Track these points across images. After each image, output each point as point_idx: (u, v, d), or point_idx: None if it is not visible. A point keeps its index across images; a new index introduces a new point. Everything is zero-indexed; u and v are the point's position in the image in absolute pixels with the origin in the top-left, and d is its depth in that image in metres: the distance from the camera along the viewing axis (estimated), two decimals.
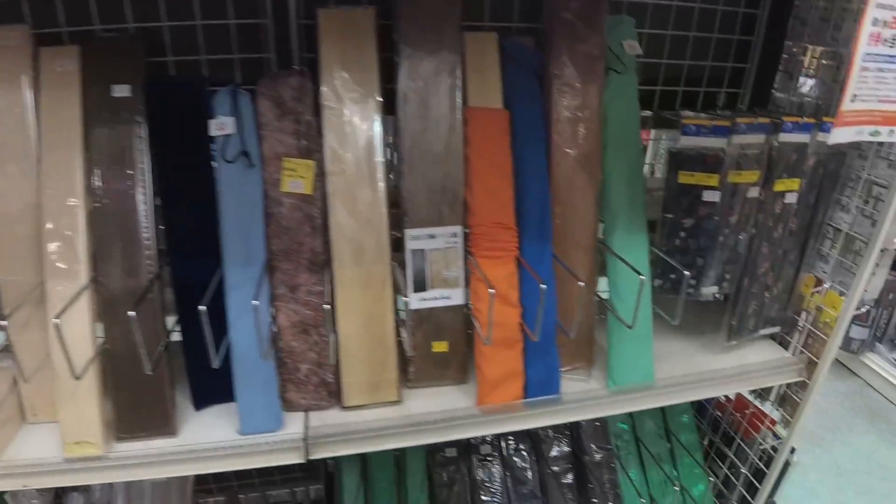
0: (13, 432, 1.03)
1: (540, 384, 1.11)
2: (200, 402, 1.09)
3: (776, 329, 1.31)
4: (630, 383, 1.15)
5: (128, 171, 0.99)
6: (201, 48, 1.11)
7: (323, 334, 1.06)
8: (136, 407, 1.01)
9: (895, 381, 2.68)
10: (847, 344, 2.75)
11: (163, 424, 1.02)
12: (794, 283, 1.27)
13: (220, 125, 1.01)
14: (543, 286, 1.00)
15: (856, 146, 1.19)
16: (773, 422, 1.37)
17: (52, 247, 0.97)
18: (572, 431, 1.42)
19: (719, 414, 1.50)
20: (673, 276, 1.15)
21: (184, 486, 1.30)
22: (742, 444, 1.43)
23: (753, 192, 1.14)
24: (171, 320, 1.07)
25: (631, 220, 1.14)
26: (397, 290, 1.08)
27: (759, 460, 1.38)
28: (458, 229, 1.08)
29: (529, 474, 1.38)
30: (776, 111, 1.32)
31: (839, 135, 0.88)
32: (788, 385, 1.32)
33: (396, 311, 1.08)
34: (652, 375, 1.17)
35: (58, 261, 0.97)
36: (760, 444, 1.37)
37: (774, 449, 1.34)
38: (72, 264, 0.97)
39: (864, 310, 2.58)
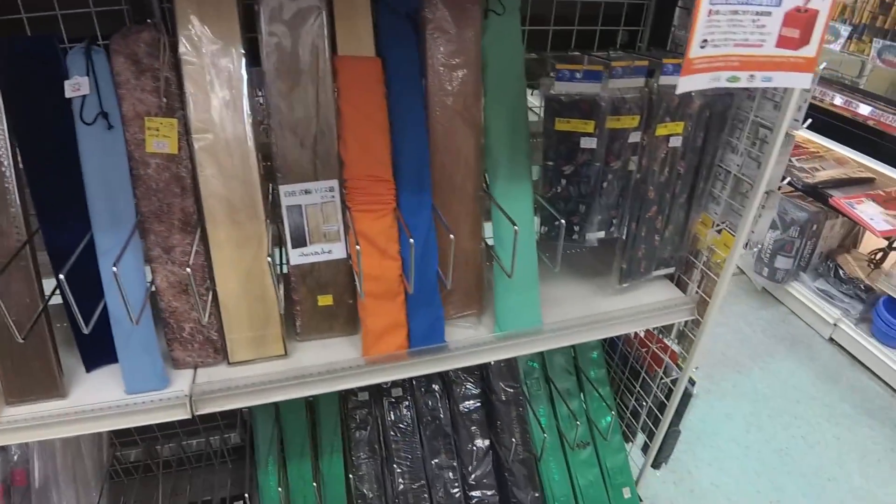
0: None
1: (423, 334, 1.15)
2: (90, 364, 1.13)
3: (670, 270, 1.35)
4: (516, 329, 1.20)
5: None
6: (55, 3, 1.08)
7: (203, 293, 1.08)
8: (22, 372, 1.05)
9: (816, 309, 2.78)
10: (773, 274, 2.82)
11: (51, 388, 1.06)
12: (685, 225, 1.30)
13: (75, 86, 0.99)
14: (411, 240, 1.03)
15: (744, 87, 1.19)
16: (675, 356, 1.43)
17: None
18: (482, 372, 1.48)
19: (628, 350, 1.56)
20: (557, 223, 1.17)
21: (98, 441, 1.36)
22: (647, 377, 1.50)
23: (635, 137, 1.14)
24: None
25: (513, 169, 1.15)
26: (280, 245, 1.11)
27: (662, 393, 1.46)
28: (333, 183, 1.09)
29: (440, 414, 1.45)
30: (676, 51, 1.31)
31: (687, 83, 0.88)
32: (686, 323, 1.37)
33: (273, 266, 1.10)
34: (539, 320, 1.21)
35: None
36: (662, 378, 1.44)
37: (675, 382, 1.41)
38: None
39: (787, 241, 2.68)
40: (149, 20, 1.03)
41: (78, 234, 1.03)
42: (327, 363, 1.12)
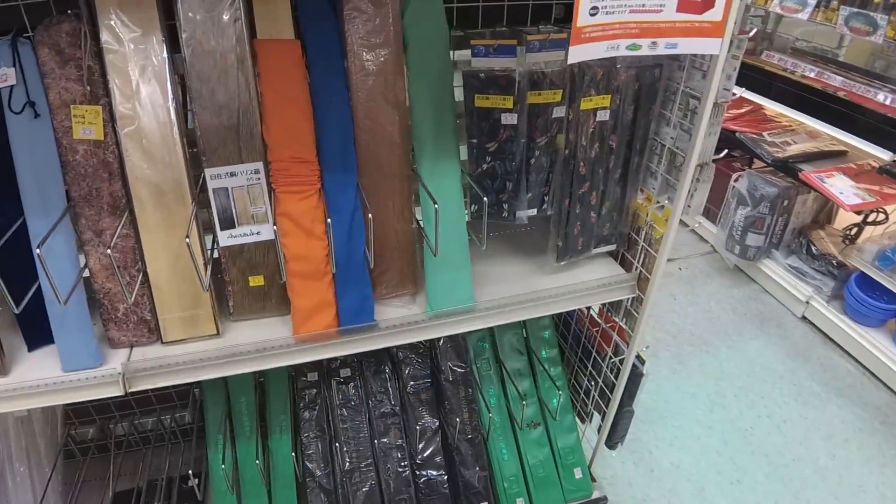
0: None
1: (353, 312, 1.19)
2: (32, 343, 1.18)
3: (611, 247, 1.37)
4: (448, 307, 1.23)
5: None
6: None
7: (134, 275, 1.14)
8: None
9: (788, 287, 2.76)
10: (744, 251, 2.80)
11: None
12: (623, 201, 1.31)
13: (3, 76, 1.04)
14: (328, 219, 1.07)
15: (674, 57, 1.20)
16: (624, 334, 1.45)
17: None
18: (431, 352, 1.52)
19: (580, 329, 1.58)
20: (487, 199, 1.20)
21: (51, 419, 1.43)
22: (597, 357, 1.52)
23: (559, 112, 1.17)
24: None
25: (439, 147, 1.18)
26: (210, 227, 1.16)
27: (611, 372, 1.48)
28: (258, 166, 1.13)
29: (389, 394, 1.49)
30: None
31: (579, 53, 0.90)
32: (630, 301, 1.39)
33: (202, 248, 1.15)
34: (471, 299, 1.24)
35: None
36: (611, 357, 1.46)
37: (622, 361, 1.44)
38: None
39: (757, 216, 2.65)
40: (69, 11, 1.08)
41: (13, 218, 1.09)
42: (259, 342, 1.17)
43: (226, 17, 1.07)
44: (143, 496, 1.49)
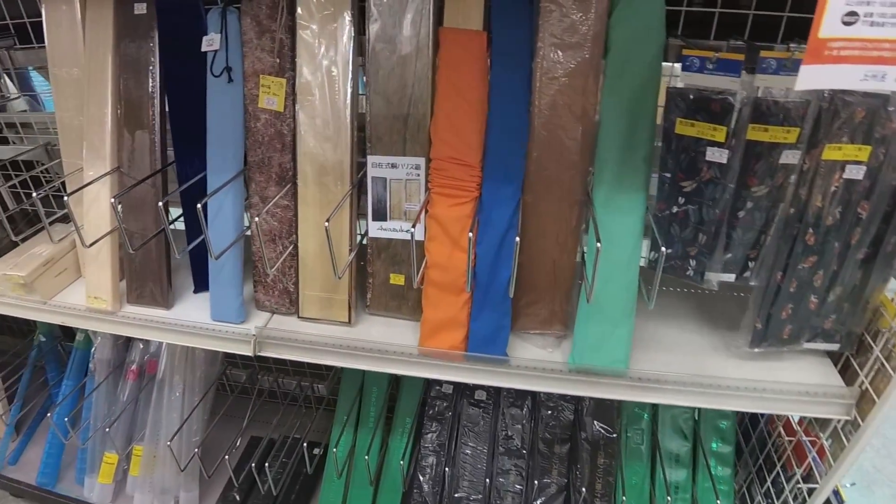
0: (68, 281, 1.38)
1: (484, 339, 1.10)
2: (198, 287, 1.32)
3: (832, 346, 1.06)
4: (595, 364, 1.07)
5: (143, 78, 1.19)
6: None
7: (287, 245, 1.18)
8: (141, 280, 1.27)
9: None
10: None
11: (160, 298, 1.27)
12: (862, 290, 1.01)
13: (210, 41, 1.14)
14: (470, 234, 0.99)
15: None
16: (825, 456, 1.14)
17: (88, 138, 1.24)
18: (577, 403, 1.36)
19: (768, 430, 1.28)
20: (664, 250, 1.01)
21: (213, 356, 1.59)
22: (781, 474, 1.22)
23: (790, 158, 0.92)
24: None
25: (624, 175, 1.02)
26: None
27: (794, 500, 1.18)
28: (421, 161, 1.09)
29: (520, 433, 1.38)
30: None
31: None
32: (842, 422, 1.08)
33: (355, 235, 1.15)
34: (625, 362, 1.06)
35: (90, 150, 1.24)
36: (799, 482, 1.16)
37: (811, 492, 1.13)
38: (99, 153, 1.23)
39: None
40: None
41: (197, 170, 1.20)
42: (383, 343, 1.14)
43: (416, 2, 1.03)
44: (271, 447, 1.60)
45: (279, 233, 1.18)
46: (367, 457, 1.37)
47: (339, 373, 1.56)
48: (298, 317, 1.22)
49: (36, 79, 1.78)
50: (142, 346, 1.61)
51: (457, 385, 1.44)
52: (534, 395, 1.40)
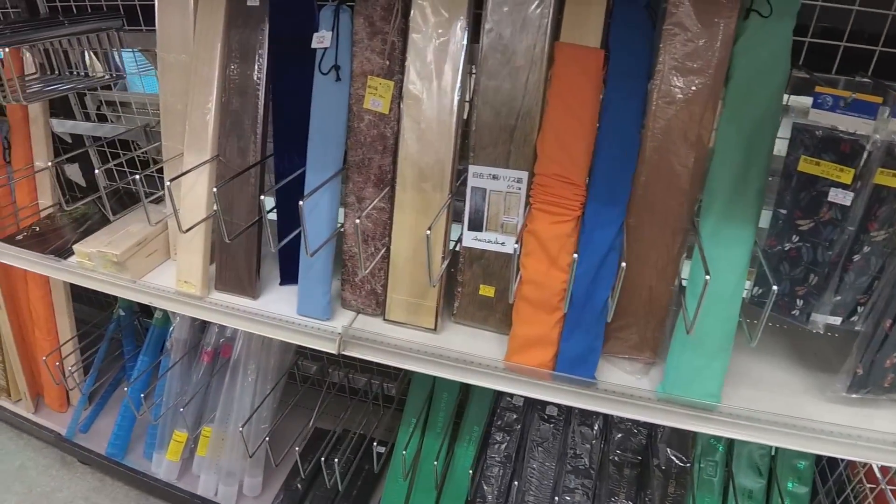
0: (157, 262, 1.42)
1: (573, 360, 1.09)
2: (284, 279, 1.34)
3: None
4: (685, 396, 1.05)
5: (251, 71, 1.21)
6: None
7: (379, 247, 1.19)
8: (231, 268, 1.30)
9: None
10: None
11: (248, 287, 1.30)
12: None
13: (321, 38, 1.15)
14: (575, 255, 0.97)
15: None
16: None
17: (191, 124, 1.26)
18: (651, 428, 1.34)
19: (848, 475, 1.24)
20: (777, 287, 0.98)
21: (286, 345, 1.61)
22: None
23: None
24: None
25: (735, 206, 0.99)
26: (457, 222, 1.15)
27: None
28: (523, 175, 1.08)
29: (590, 453, 1.36)
30: None
31: None
32: None
33: (448, 243, 1.15)
34: (717, 397, 1.04)
35: (192, 137, 1.27)
36: None
37: None
38: (201, 141, 1.26)
39: None
40: None
41: (296, 166, 1.22)
42: (469, 354, 1.14)
43: (534, 14, 1.02)
44: (337, 440, 1.62)
45: (373, 234, 1.19)
46: (435, 462, 1.37)
47: (410, 374, 1.57)
48: (384, 319, 1.22)
49: (128, 61, 1.83)
50: (217, 330, 1.65)
51: (528, 398, 1.43)
52: (605, 415, 1.38)
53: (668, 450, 1.30)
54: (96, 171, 1.20)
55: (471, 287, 1.18)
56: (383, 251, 1.19)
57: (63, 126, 1.68)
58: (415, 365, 1.16)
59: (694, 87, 0.97)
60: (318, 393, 1.72)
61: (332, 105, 1.16)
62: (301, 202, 1.06)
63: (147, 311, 1.84)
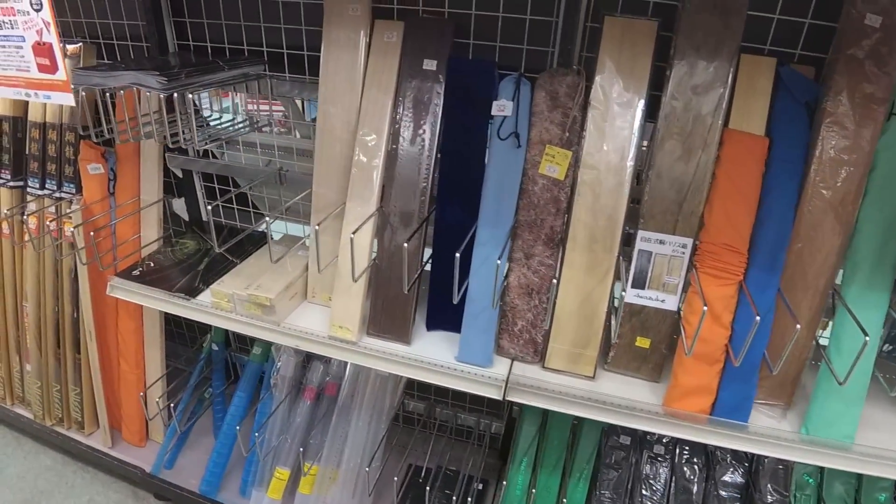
0: (297, 304, 1.42)
1: (729, 407, 1.19)
2: (432, 324, 1.37)
3: None
4: (825, 436, 1.16)
5: (422, 128, 1.26)
6: (496, 35, 1.33)
7: (543, 300, 1.25)
8: (386, 313, 1.33)
9: None
10: None
11: (403, 333, 1.32)
12: None
13: (501, 107, 1.23)
14: (757, 317, 1.08)
15: None
16: None
17: (356, 174, 1.29)
18: (751, 465, 1.45)
19: None
20: None
21: (397, 384, 1.63)
22: None
23: None
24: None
25: (874, 276, 1.14)
26: (616, 279, 1.23)
27: None
28: (688, 241, 1.19)
29: (695, 488, 1.46)
30: None
31: None
32: None
33: (612, 298, 1.23)
34: (852, 437, 1.17)
35: (358, 186, 1.29)
36: None
37: None
38: (367, 191, 1.29)
39: None
40: (574, 67, 1.22)
41: (460, 220, 1.27)
42: (629, 399, 1.22)
43: (708, 103, 1.14)
44: (436, 478, 1.64)
45: (538, 288, 1.25)
46: (564, 500, 1.42)
47: (512, 412, 1.62)
48: (543, 367, 1.28)
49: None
50: (322, 368, 1.64)
51: (635, 436, 1.52)
52: (708, 453, 1.48)
53: (770, 485, 1.42)
54: (201, 205, 1.20)
55: (627, 339, 1.26)
56: (546, 304, 1.25)
57: (177, 161, 1.64)
58: (577, 410, 1.23)
59: (844, 175, 1.11)
60: (409, 429, 1.73)
61: (508, 168, 1.23)
62: (498, 260, 1.12)
63: (239, 346, 1.80)
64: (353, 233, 1.19)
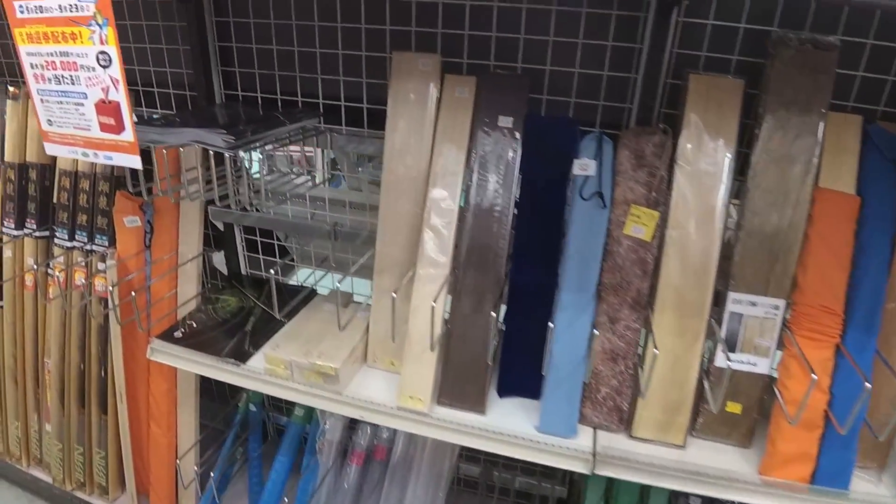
0: (357, 370, 1.32)
1: (830, 474, 1.13)
2: (504, 390, 1.29)
3: None
4: None
5: (497, 185, 1.19)
6: (570, 90, 1.28)
7: (629, 366, 1.18)
8: (459, 381, 1.24)
9: None
10: None
11: (477, 402, 1.24)
12: None
13: (584, 166, 1.17)
14: (868, 385, 1.02)
15: None
16: None
17: (427, 233, 1.22)
18: None
19: None
20: None
21: (453, 448, 1.53)
22: None
23: None
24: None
25: None
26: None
27: None
28: (781, 303, 1.13)
29: None
30: None
31: None
32: None
33: (702, 362, 1.16)
34: None
35: (429, 246, 1.22)
36: None
37: None
38: (440, 252, 1.21)
39: None
40: (660, 125, 1.17)
41: (538, 281, 1.20)
42: (724, 469, 1.14)
43: (799, 163, 1.10)
44: None
45: (623, 353, 1.18)
46: None
47: (573, 475, 1.53)
48: (629, 436, 1.21)
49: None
50: (370, 430, 1.53)
51: (706, 498, 1.44)
52: None
53: None
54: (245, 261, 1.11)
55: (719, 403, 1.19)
56: (632, 370, 1.18)
57: (220, 214, 1.53)
58: (669, 482, 1.16)
59: None
60: (465, 493, 1.63)
61: (592, 229, 1.17)
62: (595, 330, 1.05)
63: (277, 405, 1.69)
64: (435, 300, 1.11)
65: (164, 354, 1.38)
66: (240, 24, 1.40)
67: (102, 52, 0.94)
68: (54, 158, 1.59)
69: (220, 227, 1.58)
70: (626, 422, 1.21)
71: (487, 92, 1.23)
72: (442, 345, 1.24)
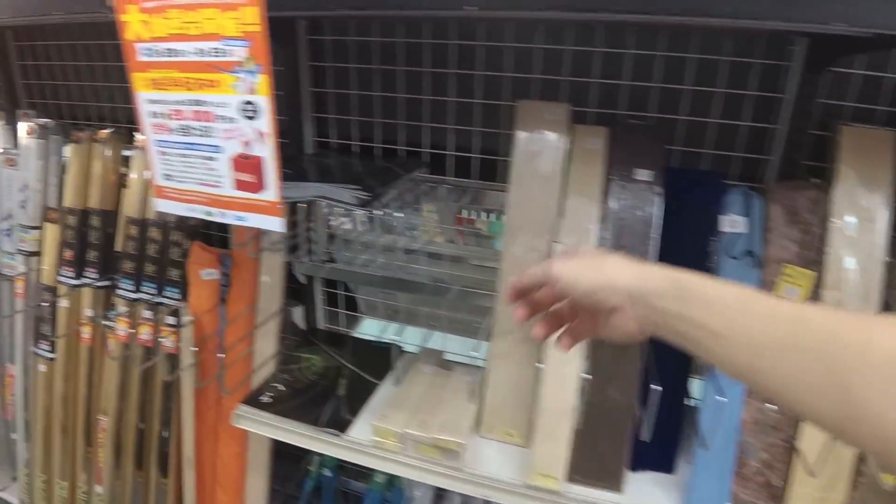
0: (468, 439, 1.19)
1: None
2: (637, 464, 1.17)
3: None
4: None
5: (635, 242, 1.10)
6: (703, 140, 1.20)
7: (782, 438, 1.08)
8: (593, 456, 1.12)
9: None
10: None
11: (613, 479, 1.12)
12: None
13: (733, 222, 1.09)
14: None
15: None
16: None
17: None
18: None
19: None
20: None
21: None
22: None
23: None
24: None
25: None
26: None
27: None
28: None
29: None
30: None
31: None
32: None
33: None
34: None
35: None
36: None
37: None
38: None
39: None
40: (813, 180, 1.10)
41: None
42: None
43: None
44: None
45: (778, 423, 1.08)
46: None
47: None
48: None
49: None
50: (459, 499, 1.40)
51: None
52: None
53: None
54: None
55: (871, 477, 1.10)
56: (785, 442, 1.08)
57: (303, 267, 1.40)
58: None
59: None
60: None
61: None
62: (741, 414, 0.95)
63: (351, 470, 1.54)
64: (587, 374, 1.00)
65: (252, 422, 1.24)
66: (339, 70, 1.31)
67: (248, 102, 0.83)
68: (118, 204, 1.46)
69: (303, 280, 1.46)
70: (777, 499, 1.11)
71: (622, 144, 1.14)
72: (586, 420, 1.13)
